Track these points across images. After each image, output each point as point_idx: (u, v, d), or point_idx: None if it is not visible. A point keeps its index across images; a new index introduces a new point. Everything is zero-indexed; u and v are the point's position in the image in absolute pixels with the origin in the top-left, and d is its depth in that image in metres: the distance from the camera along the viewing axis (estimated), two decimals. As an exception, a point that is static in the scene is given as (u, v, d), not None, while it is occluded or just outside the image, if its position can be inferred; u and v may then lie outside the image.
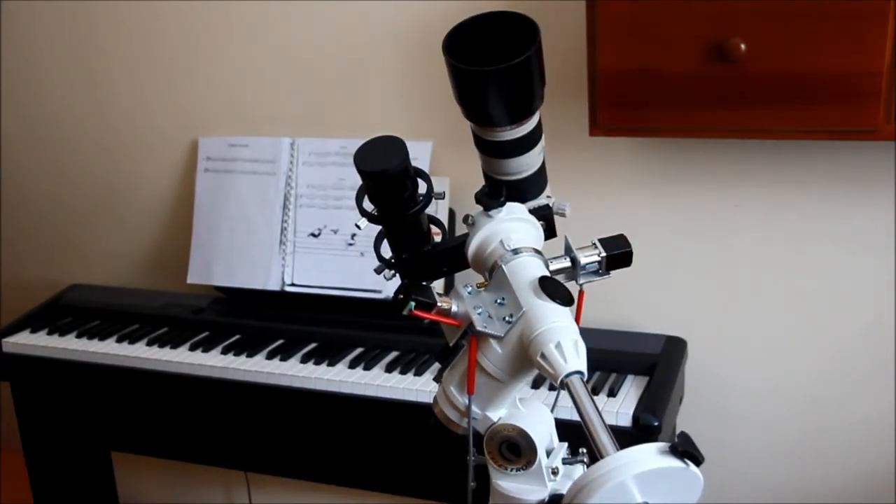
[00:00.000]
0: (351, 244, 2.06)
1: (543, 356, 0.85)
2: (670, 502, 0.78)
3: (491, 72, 0.91)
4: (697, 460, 0.76)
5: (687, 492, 0.78)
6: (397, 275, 1.07)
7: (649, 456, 0.75)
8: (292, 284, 2.11)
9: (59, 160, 2.51)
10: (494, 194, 1.01)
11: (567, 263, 0.99)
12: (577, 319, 1.02)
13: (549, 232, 1.07)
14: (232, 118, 2.26)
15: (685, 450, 0.76)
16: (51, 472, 2.34)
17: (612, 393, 1.72)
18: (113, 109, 2.40)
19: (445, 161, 2.02)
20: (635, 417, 1.64)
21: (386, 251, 1.07)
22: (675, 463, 0.75)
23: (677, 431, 1.95)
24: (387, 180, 0.97)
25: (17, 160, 2.57)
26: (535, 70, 0.94)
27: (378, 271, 1.07)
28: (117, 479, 2.57)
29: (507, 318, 0.91)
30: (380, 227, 1.05)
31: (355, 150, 0.97)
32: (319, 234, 2.10)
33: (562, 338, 0.85)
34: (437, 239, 1.08)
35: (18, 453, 2.31)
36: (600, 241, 0.99)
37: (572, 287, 0.98)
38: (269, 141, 2.16)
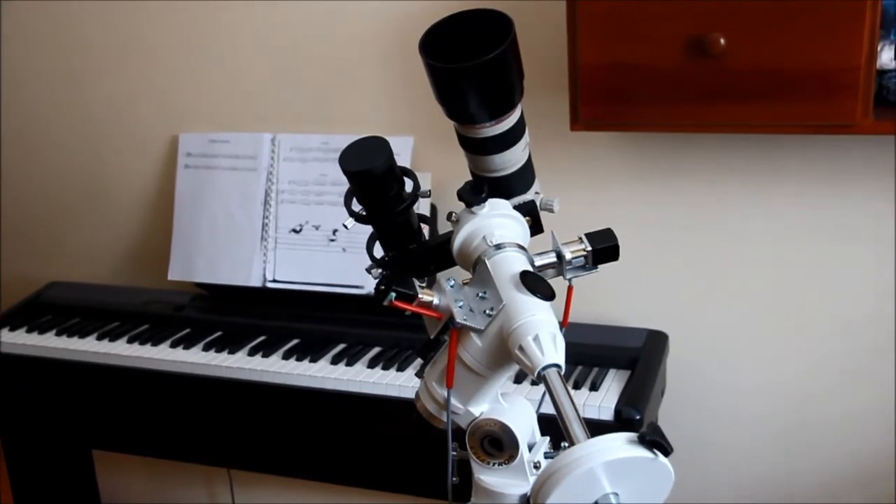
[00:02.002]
0: (333, 240, 2.06)
1: (521, 349, 0.85)
2: (639, 498, 0.78)
3: (466, 68, 0.91)
4: (666, 450, 0.76)
5: (657, 486, 0.78)
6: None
7: (618, 445, 0.75)
8: (274, 280, 2.11)
9: (38, 156, 2.49)
10: (477, 191, 1.01)
11: (553, 259, 1.00)
12: (565, 314, 1.03)
13: (536, 228, 1.07)
14: (212, 114, 2.25)
15: (653, 439, 0.75)
16: (31, 470, 2.33)
17: (594, 387, 1.73)
18: (94, 105, 2.38)
19: (427, 156, 2.02)
20: (617, 411, 1.65)
21: (378, 252, 1.07)
22: (643, 453, 0.75)
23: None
24: (371, 180, 0.98)
25: (-5, 157, 2.55)
26: (511, 64, 0.94)
27: (369, 270, 1.07)
28: (99, 477, 2.56)
29: (487, 312, 0.92)
30: (370, 228, 1.06)
31: (340, 152, 0.98)
32: (301, 230, 2.10)
33: (540, 331, 0.85)
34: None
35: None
36: (587, 235, 1.00)
37: (560, 282, 0.99)
38: (250, 137, 2.15)
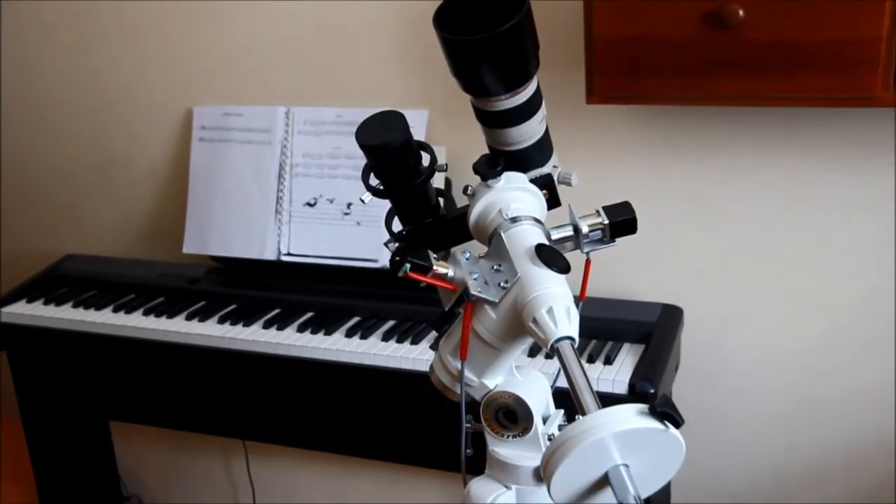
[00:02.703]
0: (347, 213, 2.06)
1: (535, 321, 0.85)
2: (650, 471, 0.78)
3: (481, 40, 0.91)
4: (677, 422, 0.75)
5: (669, 458, 0.78)
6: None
7: (628, 416, 0.75)
8: (288, 254, 2.11)
9: (54, 130, 2.50)
10: (492, 164, 1.01)
11: (570, 232, 0.99)
12: (582, 288, 1.03)
13: (553, 201, 1.06)
14: (226, 87, 2.25)
15: (664, 411, 0.75)
16: (49, 440, 2.35)
17: (608, 361, 1.73)
18: (107, 79, 2.38)
19: (441, 130, 2.01)
20: (631, 385, 1.65)
21: (397, 227, 1.07)
22: (653, 424, 0.75)
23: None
24: (388, 154, 0.98)
25: (12, 131, 2.55)
26: (525, 36, 0.94)
27: (387, 244, 1.07)
28: (116, 447, 2.59)
29: (502, 284, 0.92)
30: (387, 202, 1.06)
31: (356, 126, 0.98)
32: (315, 204, 2.10)
33: (554, 303, 0.85)
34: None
35: (18, 421, 2.32)
36: (604, 208, 0.99)
37: (578, 256, 0.99)
38: (265, 110, 2.15)
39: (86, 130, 2.46)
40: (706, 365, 2.01)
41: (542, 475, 0.78)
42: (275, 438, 2.25)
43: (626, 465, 0.76)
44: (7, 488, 2.40)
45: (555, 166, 1.08)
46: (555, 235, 0.99)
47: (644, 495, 0.76)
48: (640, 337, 1.80)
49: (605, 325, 1.83)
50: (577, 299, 0.90)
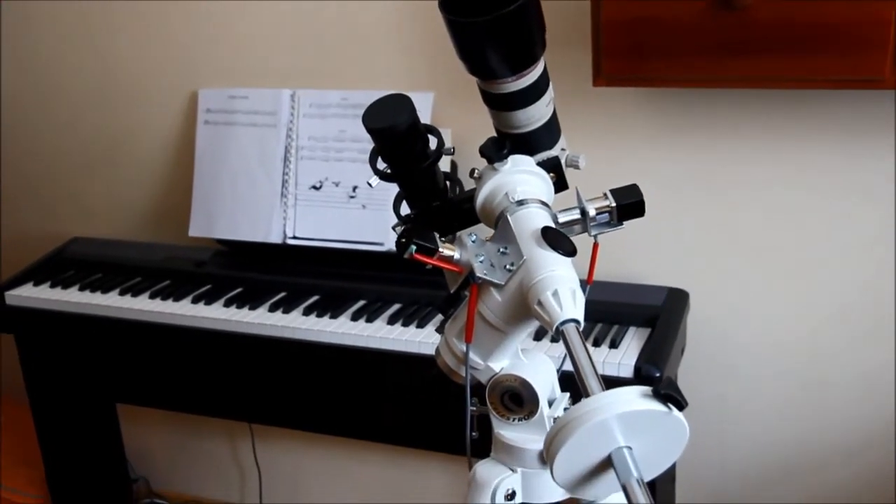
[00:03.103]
0: (353, 197, 2.06)
1: (540, 304, 0.85)
2: (654, 453, 0.77)
3: (486, 22, 0.90)
4: (680, 404, 0.75)
5: (672, 441, 0.78)
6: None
7: (632, 397, 0.75)
8: (294, 237, 2.11)
9: (59, 112, 2.50)
10: (499, 147, 1.01)
11: (577, 215, 0.99)
12: (590, 272, 1.03)
13: (560, 184, 1.06)
14: (232, 69, 2.24)
15: (667, 393, 0.75)
16: (57, 423, 2.36)
17: (613, 344, 1.73)
18: (112, 61, 2.37)
19: (447, 113, 2.00)
20: (637, 369, 1.65)
21: (405, 211, 1.07)
22: (657, 406, 0.75)
23: (677, 382, 1.96)
24: (395, 137, 0.98)
25: (16, 112, 2.55)
26: (531, 17, 0.93)
27: (395, 228, 1.07)
28: (123, 430, 2.60)
29: (508, 267, 0.91)
30: (393, 186, 1.06)
31: (362, 109, 0.98)
32: (321, 187, 2.09)
33: (560, 286, 0.85)
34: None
35: (25, 405, 2.33)
36: (612, 191, 0.99)
37: (586, 240, 0.98)
38: (270, 93, 2.15)
39: (91, 113, 2.46)
40: (712, 349, 2.01)
41: (544, 457, 0.78)
42: (280, 421, 2.25)
43: (630, 448, 0.75)
44: (16, 471, 2.42)
45: (563, 149, 1.08)
46: (562, 218, 0.99)
47: (647, 478, 0.76)
48: (645, 320, 1.80)
49: (610, 309, 1.82)
50: (585, 283, 0.90)
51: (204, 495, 2.73)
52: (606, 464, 0.76)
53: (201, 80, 2.27)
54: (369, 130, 0.98)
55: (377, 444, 2.37)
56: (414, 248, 0.95)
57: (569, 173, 1.08)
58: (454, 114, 1.99)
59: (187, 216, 2.21)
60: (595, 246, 1.02)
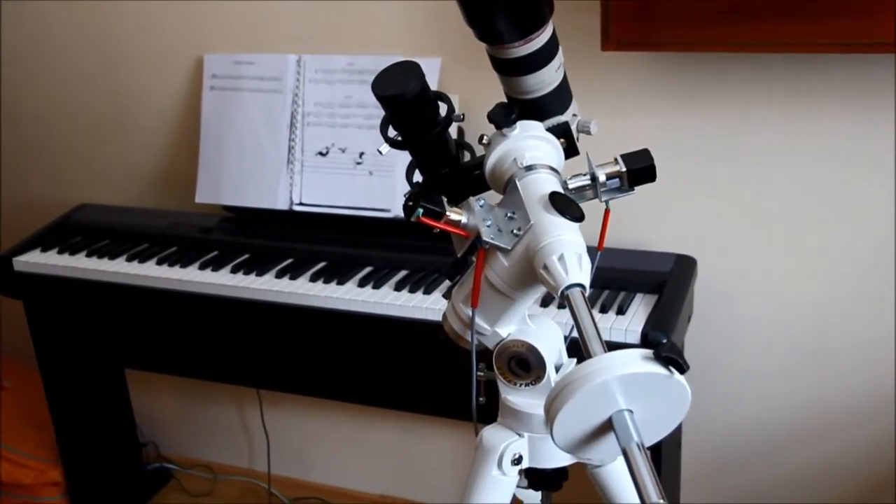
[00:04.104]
0: (359, 163, 2.05)
1: (546, 268, 0.85)
2: (655, 417, 0.77)
3: None
4: (682, 368, 0.75)
5: (674, 406, 0.77)
6: None
7: (633, 360, 0.74)
8: (301, 204, 2.11)
9: (65, 78, 2.49)
10: (507, 113, 1.00)
11: (587, 181, 0.99)
12: (601, 238, 1.03)
13: (571, 150, 1.05)
14: (237, 35, 2.23)
15: (668, 356, 0.74)
16: (66, 388, 2.38)
17: (620, 311, 1.72)
18: (117, 26, 2.36)
19: (454, 78, 1.99)
20: (644, 335, 1.65)
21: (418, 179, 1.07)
22: (658, 369, 0.74)
23: (685, 349, 1.96)
24: (404, 104, 0.97)
25: (23, 79, 2.54)
26: None
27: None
28: (132, 395, 2.62)
29: (515, 232, 0.91)
30: (409, 154, 1.05)
31: (370, 77, 0.98)
32: (327, 153, 2.09)
33: (566, 251, 0.84)
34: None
35: (35, 369, 2.35)
36: (622, 156, 0.98)
37: (597, 207, 0.98)
38: (275, 58, 2.13)
39: (96, 79, 2.45)
40: (719, 316, 2.01)
41: (545, 418, 0.78)
42: (288, 387, 2.27)
43: (631, 411, 0.75)
44: (26, 434, 2.44)
45: (574, 115, 1.07)
46: (572, 184, 0.99)
47: (648, 443, 0.76)
48: (653, 287, 1.80)
49: (617, 276, 1.82)
50: (596, 249, 0.90)
51: (213, 460, 2.76)
52: (607, 427, 0.76)
53: (207, 45, 2.25)
54: (379, 98, 0.97)
55: (384, 410, 2.39)
56: (421, 210, 0.95)
57: (579, 139, 1.07)
58: (462, 79, 1.97)
59: (193, 182, 2.21)
60: (606, 212, 1.01)
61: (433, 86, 1.80)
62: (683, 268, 1.86)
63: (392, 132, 1.03)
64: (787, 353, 1.99)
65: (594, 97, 1.91)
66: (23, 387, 2.59)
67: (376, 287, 1.88)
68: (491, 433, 1.05)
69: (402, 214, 0.99)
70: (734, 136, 1.88)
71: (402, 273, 1.94)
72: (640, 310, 1.74)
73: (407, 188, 1.05)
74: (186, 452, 2.79)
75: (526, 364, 1.01)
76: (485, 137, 1.03)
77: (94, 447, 2.48)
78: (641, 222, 1.97)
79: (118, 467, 2.58)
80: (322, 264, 2.00)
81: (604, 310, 1.73)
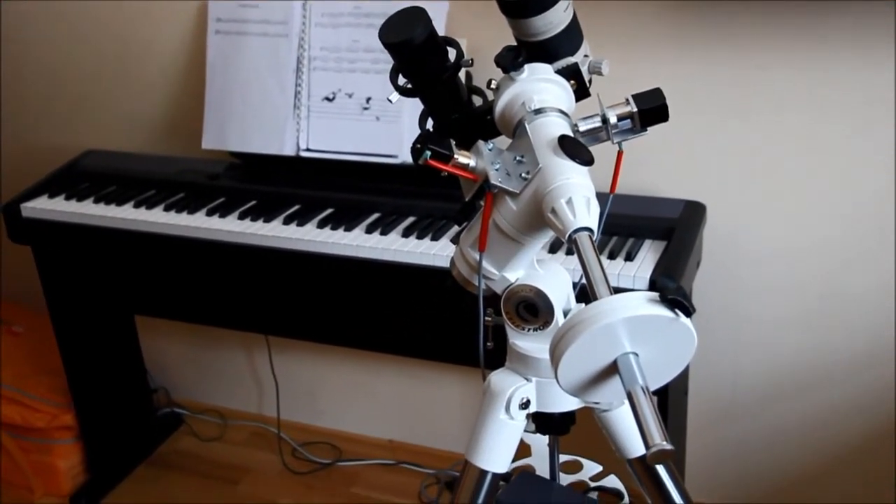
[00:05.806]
0: (366, 108, 2.03)
1: (553, 211, 0.84)
2: (660, 361, 0.77)
3: None
4: (688, 310, 0.74)
5: (680, 350, 0.77)
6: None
7: (638, 302, 0.74)
8: (307, 149, 2.10)
9: (67, 23, 2.46)
10: (514, 56, 0.99)
11: (598, 123, 0.98)
12: (613, 181, 1.02)
13: (581, 92, 1.04)
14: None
15: (674, 298, 0.74)
16: (77, 334, 2.40)
17: (629, 257, 1.72)
18: (120, -31, 2.33)
19: (462, 22, 1.96)
20: (652, 281, 1.65)
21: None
22: (664, 312, 0.74)
23: (693, 295, 1.96)
24: (412, 51, 0.97)
25: (28, 26, 2.52)
26: None
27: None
28: (142, 341, 2.64)
29: (523, 175, 0.90)
30: (420, 101, 1.04)
31: (376, 20, 0.96)
32: (334, 99, 2.07)
33: (574, 194, 0.84)
34: None
35: (46, 315, 2.36)
36: (633, 96, 0.97)
37: (605, 153, 0.97)
38: (281, 3, 2.10)
39: (100, 24, 2.42)
40: (727, 261, 2.00)
41: (550, 360, 0.78)
42: (296, 333, 2.28)
43: (636, 354, 0.75)
44: (39, 380, 2.47)
45: (585, 55, 1.05)
46: (583, 127, 0.97)
47: (653, 386, 0.75)
48: (661, 233, 1.79)
49: (626, 222, 1.81)
50: (608, 193, 0.89)
51: (222, 405, 2.79)
52: (612, 369, 0.76)
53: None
54: (386, 45, 0.96)
55: (392, 356, 2.40)
56: (429, 153, 0.94)
57: (591, 81, 1.05)
58: (469, 24, 1.94)
59: (200, 128, 2.20)
60: (619, 154, 1.00)
61: (440, 31, 1.78)
62: (692, 214, 1.85)
63: (402, 80, 1.02)
64: (796, 298, 1.99)
65: (600, 42, 1.88)
66: (34, 332, 2.61)
67: (384, 233, 1.88)
68: (499, 378, 1.05)
69: (409, 160, 0.98)
70: (744, 82, 1.86)
71: (410, 219, 1.93)
72: (648, 256, 1.73)
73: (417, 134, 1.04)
74: (196, 398, 2.82)
75: (534, 308, 1.01)
76: (493, 82, 1.01)
77: (105, 392, 2.51)
78: (650, 168, 1.96)
79: (130, 412, 2.61)
80: (329, 210, 2.00)
81: (612, 256, 1.72)
